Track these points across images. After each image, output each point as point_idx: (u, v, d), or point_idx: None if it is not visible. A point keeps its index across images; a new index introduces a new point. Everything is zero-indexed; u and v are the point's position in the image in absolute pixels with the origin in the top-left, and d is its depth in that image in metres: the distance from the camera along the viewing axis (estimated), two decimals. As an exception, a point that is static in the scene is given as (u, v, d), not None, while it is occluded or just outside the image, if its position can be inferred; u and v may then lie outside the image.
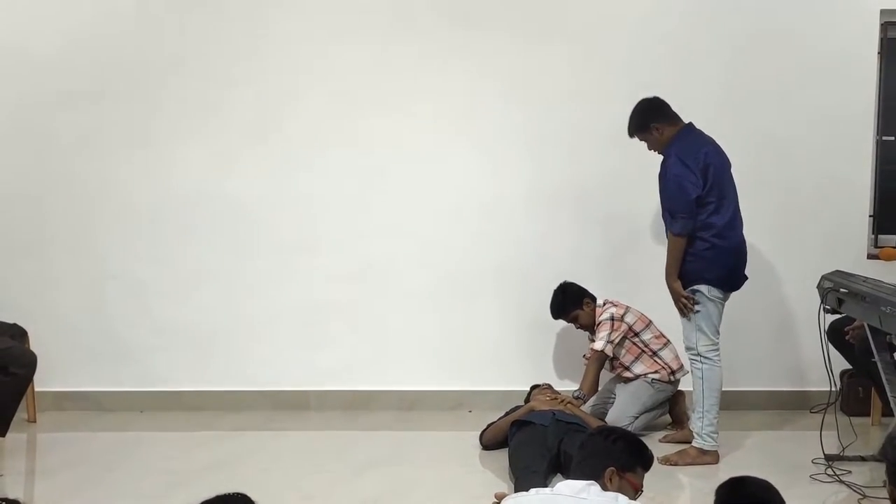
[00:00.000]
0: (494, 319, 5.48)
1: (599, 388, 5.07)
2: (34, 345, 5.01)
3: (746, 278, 4.56)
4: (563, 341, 5.45)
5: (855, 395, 5.21)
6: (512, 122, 5.40)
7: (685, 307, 4.41)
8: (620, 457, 2.81)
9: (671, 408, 5.11)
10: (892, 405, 4.18)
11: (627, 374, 5.00)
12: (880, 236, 5.56)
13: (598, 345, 4.92)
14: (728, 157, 4.50)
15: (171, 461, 4.59)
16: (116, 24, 5.35)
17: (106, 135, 5.41)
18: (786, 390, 5.45)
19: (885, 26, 5.42)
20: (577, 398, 4.89)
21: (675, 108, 4.50)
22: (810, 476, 4.24)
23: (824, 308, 4.32)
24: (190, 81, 5.39)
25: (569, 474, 3.00)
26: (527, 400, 4.94)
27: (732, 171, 4.50)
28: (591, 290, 5.12)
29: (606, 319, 4.97)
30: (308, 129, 5.40)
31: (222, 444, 4.83)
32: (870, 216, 5.52)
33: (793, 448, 4.71)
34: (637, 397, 4.91)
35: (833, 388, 4.35)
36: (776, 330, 5.47)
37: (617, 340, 4.95)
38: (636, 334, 5.00)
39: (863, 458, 4.42)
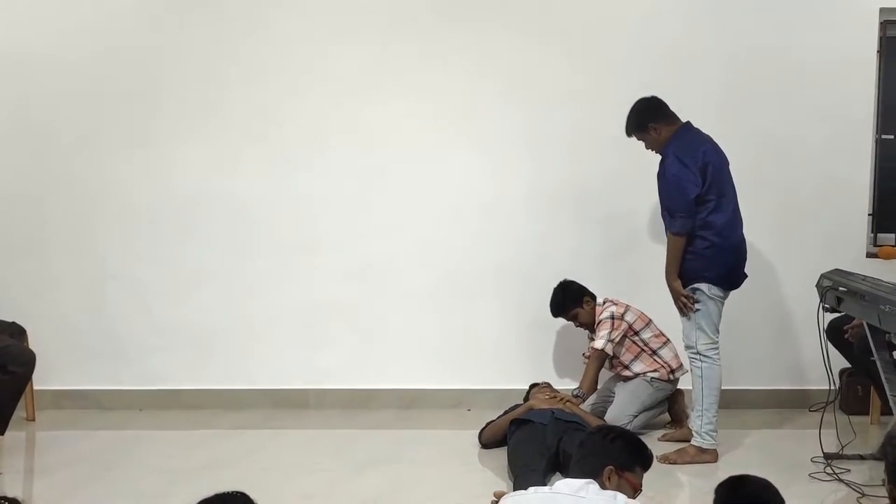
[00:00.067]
0: (494, 319, 5.49)
1: (599, 387, 5.08)
2: (33, 343, 5.02)
3: (746, 276, 4.56)
4: (562, 340, 5.45)
5: (854, 394, 5.21)
6: (512, 122, 5.41)
7: (685, 306, 4.42)
8: (619, 456, 2.81)
9: (670, 406, 5.11)
10: (891, 404, 4.19)
11: (627, 373, 5.01)
12: (879, 235, 5.57)
13: (599, 343, 4.93)
14: (726, 155, 4.50)
15: (171, 460, 4.59)
16: (116, 24, 5.35)
17: (106, 135, 5.41)
18: (785, 389, 5.46)
19: (884, 25, 5.43)
20: (576, 396, 4.90)
21: (674, 108, 4.51)
22: (809, 474, 4.25)
23: (823, 307, 4.32)
24: (190, 81, 5.39)
25: (568, 473, 2.99)
26: (526, 398, 4.94)
27: (732, 169, 4.51)
28: (591, 290, 5.13)
29: (607, 318, 4.97)
30: (308, 129, 5.41)
31: (222, 443, 4.83)
32: (869, 215, 5.53)
33: (792, 447, 4.72)
34: (636, 396, 4.91)
35: (832, 387, 4.36)
36: (775, 328, 5.47)
37: (617, 339, 4.95)
38: (636, 333, 5.00)
39: (862, 457, 4.43)
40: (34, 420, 5.21)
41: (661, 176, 4.42)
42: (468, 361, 5.48)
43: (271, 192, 5.43)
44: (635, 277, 5.26)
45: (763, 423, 5.19)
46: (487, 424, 4.75)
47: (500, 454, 4.48)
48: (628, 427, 4.53)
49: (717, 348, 4.46)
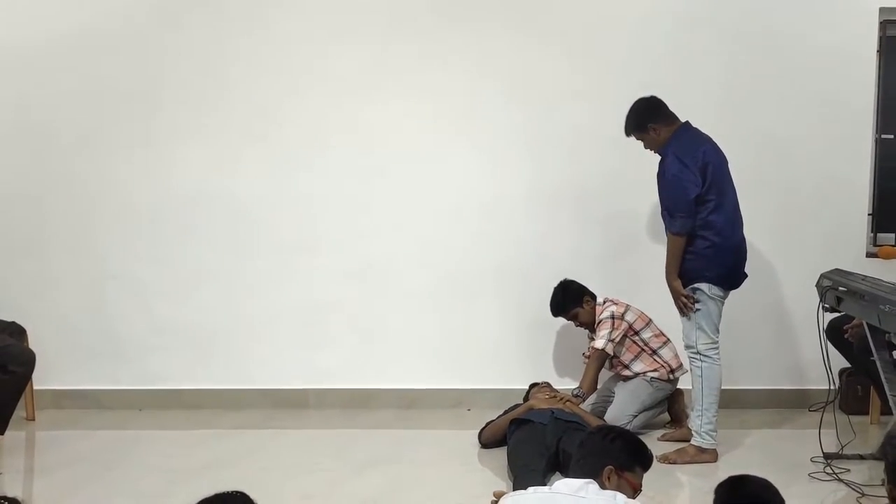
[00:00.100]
0: (494, 319, 5.49)
1: (599, 387, 5.08)
2: (33, 343, 5.02)
3: (746, 276, 4.56)
4: (562, 340, 5.45)
5: (854, 394, 5.21)
6: (512, 122, 5.41)
7: (685, 306, 4.42)
8: (619, 456, 2.81)
9: (670, 406, 5.11)
10: (890, 403, 4.19)
11: (626, 373, 5.01)
12: (879, 234, 5.57)
13: (600, 343, 4.93)
14: (726, 155, 4.50)
15: (171, 459, 4.59)
16: (116, 24, 5.35)
17: (106, 134, 5.42)
18: (785, 389, 5.46)
19: (884, 24, 5.43)
20: (576, 396, 4.90)
21: (674, 108, 4.50)
22: (809, 474, 4.25)
23: (823, 306, 4.31)
24: (190, 81, 5.39)
25: (567, 473, 3.00)
26: (526, 398, 4.94)
27: (732, 169, 4.50)
28: (591, 290, 5.12)
29: (607, 318, 4.97)
30: (308, 129, 5.41)
31: (222, 443, 4.83)
32: (869, 214, 5.53)
33: (792, 446, 4.72)
34: (636, 396, 4.91)
35: (832, 387, 4.36)
36: (775, 328, 5.47)
37: (618, 339, 4.95)
38: (636, 333, 5.00)
39: (861, 457, 4.43)
40: (34, 420, 5.21)
41: (661, 176, 4.42)
42: (468, 361, 5.49)
43: (271, 192, 5.43)
44: (635, 277, 5.26)
45: (763, 423, 5.19)
46: (487, 424, 4.75)
47: (500, 454, 4.48)
48: (628, 427, 4.53)
49: (717, 348, 4.46)
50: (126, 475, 4.37)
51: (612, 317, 4.97)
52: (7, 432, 4.64)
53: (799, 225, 5.44)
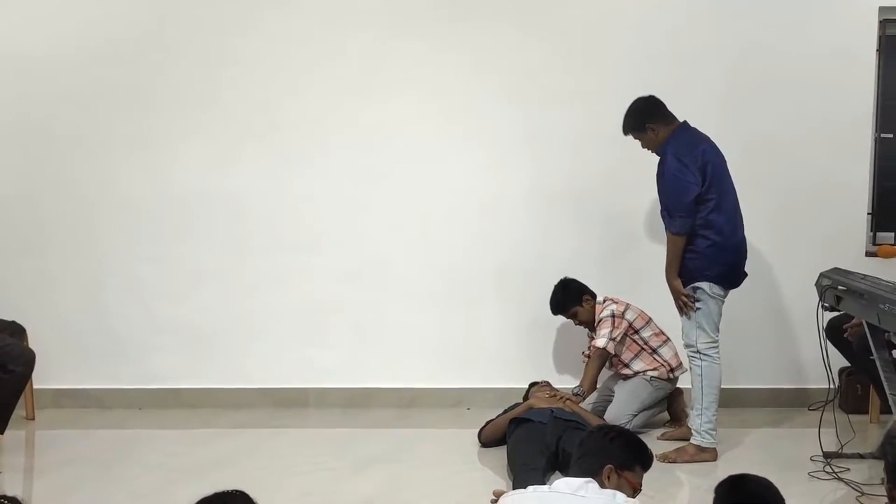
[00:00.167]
0: (494, 318, 5.49)
1: (598, 386, 5.08)
2: (33, 342, 5.02)
3: (746, 275, 4.56)
4: (562, 339, 5.46)
5: (853, 393, 5.22)
6: (512, 122, 5.41)
7: (685, 305, 4.42)
8: (619, 455, 2.81)
9: (669, 405, 5.11)
10: (890, 403, 4.19)
11: (626, 372, 5.01)
12: (878, 234, 5.57)
13: (601, 342, 4.93)
14: (725, 155, 4.50)
15: (171, 458, 4.59)
16: (115, 24, 5.35)
17: (105, 134, 5.41)
18: (784, 388, 5.46)
19: (883, 24, 5.43)
20: (576, 395, 4.90)
21: (674, 108, 4.51)
22: (809, 473, 4.25)
23: (823, 305, 4.31)
24: (189, 81, 5.39)
25: (567, 472, 2.99)
26: (525, 397, 4.94)
27: (732, 169, 4.51)
28: (590, 289, 5.13)
29: (608, 316, 4.97)
30: (308, 129, 5.40)
31: (221, 442, 4.84)
32: (868, 213, 5.53)
33: (791, 445, 4.72)
34: (636, 395, 4.91)
35: (832, 386, 4.36)
36: (775, 327, 5.47)
37: (619, 338, 4.95)
38: (636, 331, 5.00)
39: (861, 456, 4.43)
40: (34, 419, 5.21)
41: (661, 176, 4.42)
42: (468, 360, 5.49)
43: (271, 192, 5.43)
44: (635, 276, 5.26)
45: (762, 422, 5.19)
46: (487, 423, 4.75)
47: (500, 453, 4.48)
48: (628, 426, 4.53)
49: (716, 347, 4.46)
50: (126, 474, 4.36)
51: (613, 315, 4.97)
52: (7, 431, 4.64)
53: (798, 224, 5.44)
